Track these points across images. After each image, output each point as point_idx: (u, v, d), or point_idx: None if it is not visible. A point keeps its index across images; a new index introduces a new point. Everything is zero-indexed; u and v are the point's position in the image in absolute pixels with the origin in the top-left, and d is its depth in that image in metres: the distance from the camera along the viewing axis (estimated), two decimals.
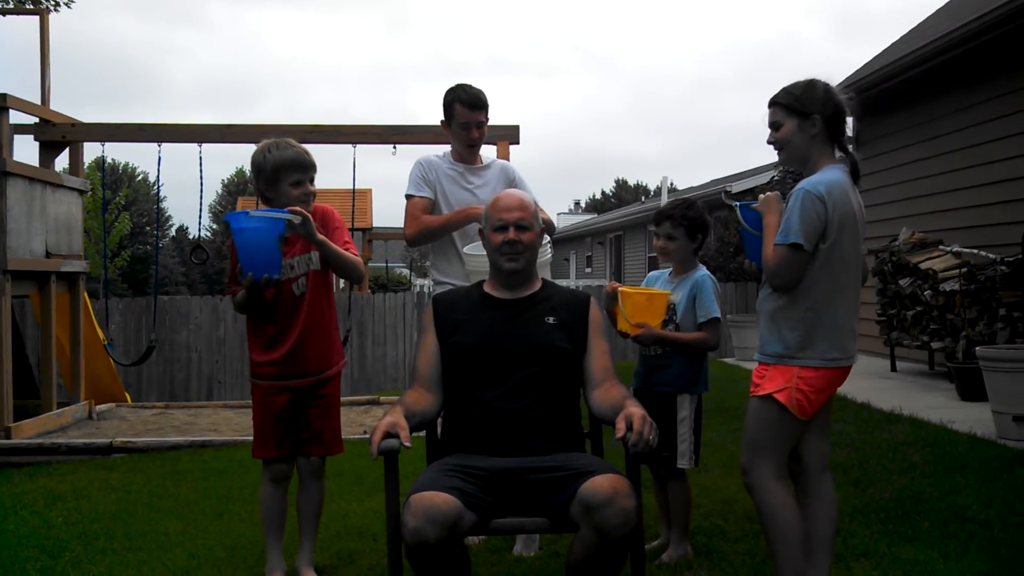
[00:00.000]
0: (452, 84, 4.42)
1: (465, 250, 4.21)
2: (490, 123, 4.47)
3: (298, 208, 3.59)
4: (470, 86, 4.38)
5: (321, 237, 3.64)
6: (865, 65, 11.84)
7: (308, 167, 3.76)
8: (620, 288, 3.79)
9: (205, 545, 4.37)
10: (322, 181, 4.00)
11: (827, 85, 3.16)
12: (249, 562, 4.06)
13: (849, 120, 3.24)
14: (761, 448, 3.13)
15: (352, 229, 6.95)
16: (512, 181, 4.41)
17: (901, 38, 12.15)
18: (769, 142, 3.22)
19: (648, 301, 3.82)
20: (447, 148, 4.52)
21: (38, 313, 8.79)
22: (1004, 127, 8.79)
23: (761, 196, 3.26)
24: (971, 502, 4.41)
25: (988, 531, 3.99)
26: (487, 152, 4.71)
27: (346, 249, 3.77)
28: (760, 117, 3.23)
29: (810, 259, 3.05)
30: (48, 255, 8.35)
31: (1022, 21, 8.10)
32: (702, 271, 3.98)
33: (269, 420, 3.76)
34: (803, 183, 3.07)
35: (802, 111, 3.11)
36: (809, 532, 3.15)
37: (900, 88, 10.56)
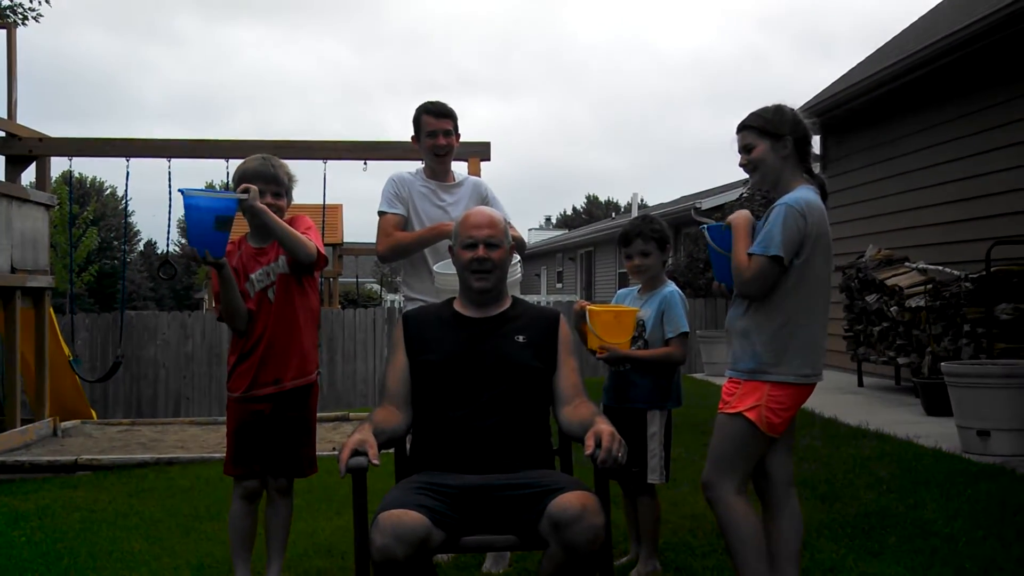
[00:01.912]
0: (424, 99, 4.49)
1: (436, 268, 4.22)
2: (461, 140, 4.51)
3: (250, 186, 3.60)
4: (437, 100, 4.44)
5: (262, 206, 3.62)
6: (832, 84, 11.99)
7: (269, 179, 3.76)
8: (588, 307, 3.82)
9: (171, 564, 4.33)
10: (292, 196, 4.01)
11: (793, 109, 3.23)
12: None
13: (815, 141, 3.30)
14: (726, 464, 3.16)
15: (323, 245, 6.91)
16: (484, 198, 4.42)
17: (867, 58, 12.32)
18: (741, 165, 3.28)
19: (616, 319, 3.84)
20: (420, 165, 4.54)
21: (2, 329, 8.68)
22: (966, 147, 8.94)
23: (731, 216, 3.30)
24: (936, 516, 4.45)
25: (953, 545, 4.03)
26: (459, 169, 4.73)
27: (306, 235, 3.74)
28: (729, 141, 3.29)
29: (783, 273, 3.08)
30: (13, 270, 8.25)
31: (982, 44, 8.25)
32: (670, 287, 4.02)
33: (243, 437, 3.72)
34: (785, 198, 3.12)
35: (774, 133, 3.17)
36: (776, 547, 3.18)
37: (866, 107, 10.71)
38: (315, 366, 3.88)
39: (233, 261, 3.75)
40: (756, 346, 3.13)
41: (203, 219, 3.47)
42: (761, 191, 12.05)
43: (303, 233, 3.75)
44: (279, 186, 3.79)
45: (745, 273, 3.11)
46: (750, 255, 3.11)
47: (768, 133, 3.18)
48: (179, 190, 3.57)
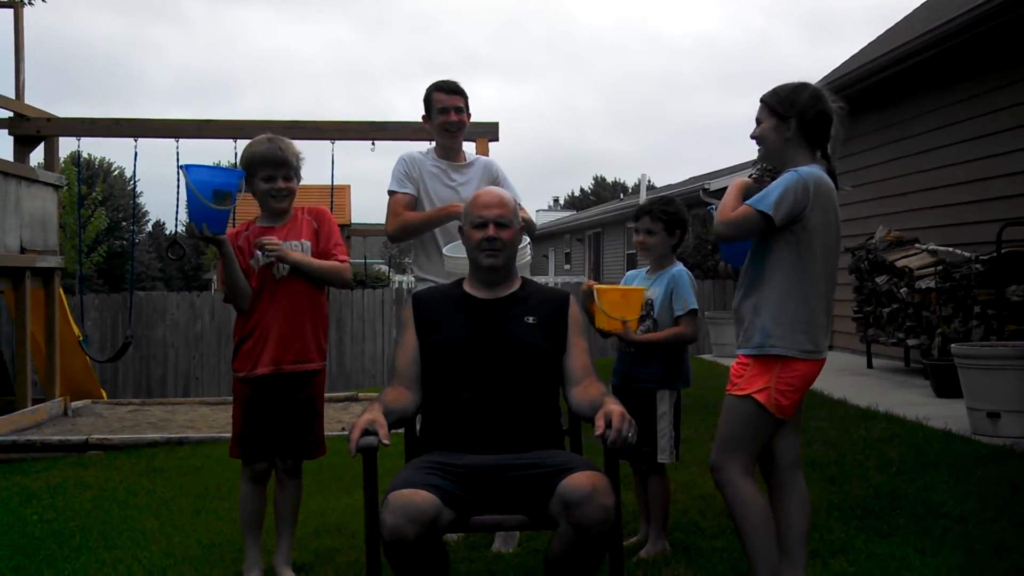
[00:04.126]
0: (431, 80, 4.48)
1: (445, 251, 4.20)
2: (470, 120, 4.49)
3: (272, 244, 3.61)
4: (448, 79, 4.45)
5: (295, 256, 3.67)
6: (842, 64, 11.92)
7: (279, 164, 3.74)
8: (596, 286, 3.82)
9: (182, 543, 4.35)
10: (301, 175, 4.00)
11: (816, 91, 3.18)
12: (226, 560, 4.04)
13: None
14: (734, 445, 3.15)
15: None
16: (495, 179, 4.41)
17: (877, 38, 12.24)
18: (751, 136, 3.26)
19: (623, 297, 3.85)
20: (430, 145, 4.53)
21: (12, 309, 8.72)
22: (977, 128, 8.88)
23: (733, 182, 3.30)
24: (946, 498, 4.45)
25: (963, 527, 4.02)
26: (469, 150, 4.72)
27: (335, 252, 3.80)
28: (738, 120, 3.28)
29: (779, 240, 3.07)
30: (23, 251, 8.27)
31: (992, 24, 8.18)
32: (678, 266, 4.03)
33: (249, 418, 3.73)
34: (798, 168, 3.11)
35: (780, 113, 3.15)
36: (784, 529, 3.17)
37: (876, 88, 10.64)
38: (320, 354, 3.82)
39: (239, 241, 3.74)
40: (765, 320, 3.12)
41: (202, 192, 3.47)
42: (770, 171, 12.00)
43: (329, 235, 3.80)
44: (289, 169, 3.78)
45: (730, 215, 3.11)
46: (743, 205, 3.11)
47: (775, 112, 3.17)
48: (181, 165, 3.57)
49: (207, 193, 3.47)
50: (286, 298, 3.71)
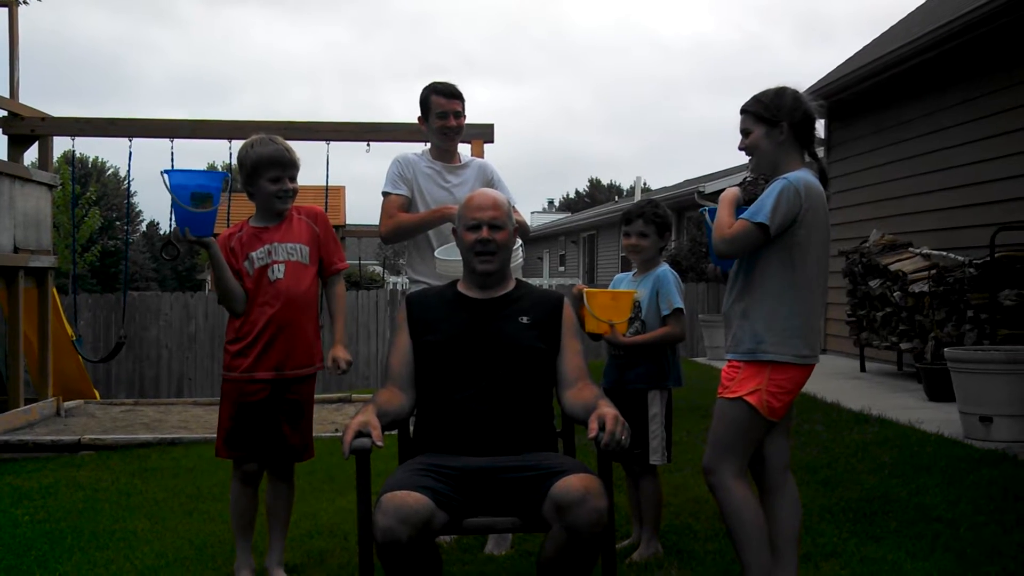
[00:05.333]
0: (427, 82, 4.46)
1: (437, 254, 4.19)
2: (465, 121, 4.48)
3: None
4: (446, 81, 4.43)
5: (343, 344, 3.86)
6: (837, 68, 11.93)
7: (287, 165, 3.74)
8: (585, 289, 3.84)
9: (173, 544, 4.34)
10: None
11: (796, 92, 3.21)
12: (218, 561, 4.03)
13: (819, 125, 3.28)
14: (727, 448, 3.16)
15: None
16: (490, 180, 4.40)
17: (873, 41, 12.26)
18: (740, 148, 3.28)
19: (613, 300, 3.87)
20: (424, 146, 4.52)
21: (6, 309, 8.69)
22: (971, 132, 8.90)
23: (722, 193, 3.32)
24: (938, 502, 4.46)
25: (955, 530, 4.03)
26: (464, 151, 4.71)
27: (337, 261, 3.87)
28: (733, 123, 3.29)
29: (766, 242, 3.08)
30: (16, 250, 8.24)
31: (989, 28, 8.20)
32: (663, 267, 4.07)
33: (238, 418, 3.70)
34: (786, 175, 3.13)
35: (770, 119, 3.17)
36: (775, 531, 3.18)
37: (871, 91, 10.66)
38: (319, 357, 3.85)
39: (232, 242, 3.73)
40: (756, 325, 3.13)
41: (179, 196, 3.47)
42: (763, 176, 12.01)
43: (329, 242, 3.84)
44: (295, 169, 3.78)
45: (727, 231, 3.12)
46: (738, 220, 3.12)
47: (763, 119, 3.18)
48: (162, 172, 3.56)
49: (185, 197, 3.46)
50: (282, 301, 3.70)
